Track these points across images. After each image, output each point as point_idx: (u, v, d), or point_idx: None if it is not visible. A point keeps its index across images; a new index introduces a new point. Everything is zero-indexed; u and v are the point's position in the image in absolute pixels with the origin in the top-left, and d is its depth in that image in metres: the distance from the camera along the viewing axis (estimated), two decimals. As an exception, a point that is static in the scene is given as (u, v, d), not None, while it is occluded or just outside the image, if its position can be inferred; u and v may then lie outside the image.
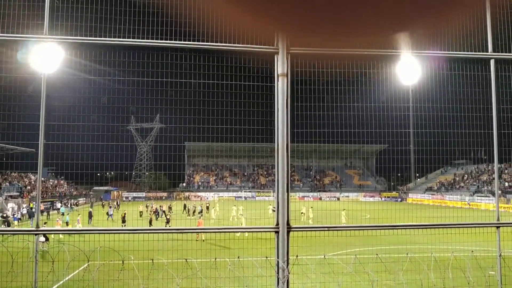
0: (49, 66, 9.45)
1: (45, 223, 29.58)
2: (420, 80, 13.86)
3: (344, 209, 28.41)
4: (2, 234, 9.56)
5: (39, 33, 9.03)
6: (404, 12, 0.73)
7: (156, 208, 39.61)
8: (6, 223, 29.11)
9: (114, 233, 8.96)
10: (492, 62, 10.00)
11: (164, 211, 37.13)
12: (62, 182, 58.77)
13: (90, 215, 32.06)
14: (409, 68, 11.37)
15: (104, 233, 9.17)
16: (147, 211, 39.52)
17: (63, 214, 37.62)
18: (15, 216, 34.95)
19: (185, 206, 43.40)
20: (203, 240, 21.30)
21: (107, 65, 12.70)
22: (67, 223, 27.81)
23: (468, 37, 9.74)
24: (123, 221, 28.82)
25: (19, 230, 10.47)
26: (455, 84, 15.31)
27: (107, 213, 34.80)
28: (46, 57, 9.17)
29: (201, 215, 34.94)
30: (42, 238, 18.61)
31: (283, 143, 8.91)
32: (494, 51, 9.90)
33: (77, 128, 18.03)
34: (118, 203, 49.57)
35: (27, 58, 10.00)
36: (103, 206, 47.05)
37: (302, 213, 34.89)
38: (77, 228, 20.40)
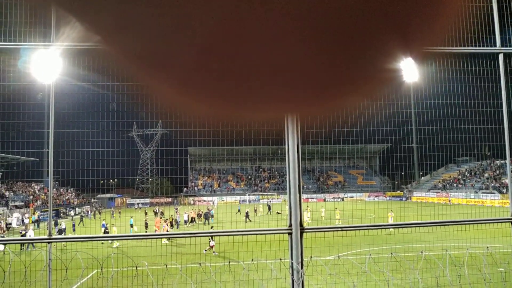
0: (55, 74, 9.41)
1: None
2: (425, 77, 13.79)
3: (391, 209, 28.30)
4: (16, 243, 9.52)
5: (46, 40, 9.00)
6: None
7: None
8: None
9: (134, 239, 8.92)
10: (500, 56, 9.92)
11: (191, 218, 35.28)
12: (70, 191, 58.69)
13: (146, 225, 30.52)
14: (413, 66, 11.29)
15: (122, 239, 9.13)
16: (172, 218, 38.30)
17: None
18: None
19: (269, 207, 42.82)
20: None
21: (109, 72, 12.66)
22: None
23: (475, 32, 9.68)
24: (146, 226, 29.00)
25: (32, 239, 10.47)
26: (458, 80, 15.22)
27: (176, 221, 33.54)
28: (53, 64, 9.14)
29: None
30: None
31: (293, 144, 8.83)
32: (502, 45, 9.83)
33: (80, 135, 18.01)
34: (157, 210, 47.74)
35: (31, 66, 9.96)
36: (146, 213, 44.51)
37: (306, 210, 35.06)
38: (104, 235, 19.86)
